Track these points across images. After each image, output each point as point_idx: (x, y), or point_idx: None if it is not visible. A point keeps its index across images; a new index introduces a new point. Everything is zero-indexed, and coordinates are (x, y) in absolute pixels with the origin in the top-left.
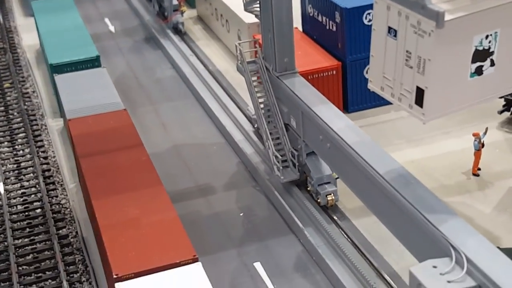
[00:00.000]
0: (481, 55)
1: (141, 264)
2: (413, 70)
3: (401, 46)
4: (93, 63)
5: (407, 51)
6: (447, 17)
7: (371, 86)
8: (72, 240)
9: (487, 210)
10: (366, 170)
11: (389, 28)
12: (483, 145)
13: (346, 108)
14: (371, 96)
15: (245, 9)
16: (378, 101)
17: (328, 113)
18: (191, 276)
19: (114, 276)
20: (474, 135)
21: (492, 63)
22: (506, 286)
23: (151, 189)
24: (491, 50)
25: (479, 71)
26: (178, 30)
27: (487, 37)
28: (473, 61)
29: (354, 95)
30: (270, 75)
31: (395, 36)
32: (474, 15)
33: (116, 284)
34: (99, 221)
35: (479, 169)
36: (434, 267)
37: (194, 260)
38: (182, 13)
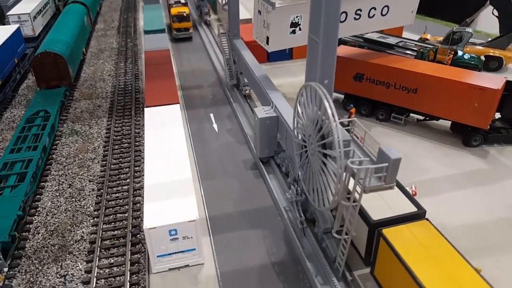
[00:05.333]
0: (294, 24)
1: (157, 101)
2: (265, 29)
3: (262, 18)
4: (162, 31)
5: (264, 21)
6: (277, 5)
7: (253, 36)
8: (141, 99)
9: None
10: (257, 81)
11: (259, 11)
12: None
13: (269, 60)
14: (280, 55)
15: (223, 9)
16: (281, 58)
17: (248, 56)
18: (176, 109)
19: (145, 105)
20: None
21: (300, 29)
22: (284, 115)
23: (170, 79)
24: (299, 23)
25: (293, 32)
26: (206, 23)
27: (297, 16)
28: (291, 27)
29: (272, 55)
30: (230, 38)
31: (260, 14)
32: (291, 6)
33: (145, 109)
34: (146, 90)
35: None
36: (263, 108)
37: (177, 103)
38: (209, 15)
